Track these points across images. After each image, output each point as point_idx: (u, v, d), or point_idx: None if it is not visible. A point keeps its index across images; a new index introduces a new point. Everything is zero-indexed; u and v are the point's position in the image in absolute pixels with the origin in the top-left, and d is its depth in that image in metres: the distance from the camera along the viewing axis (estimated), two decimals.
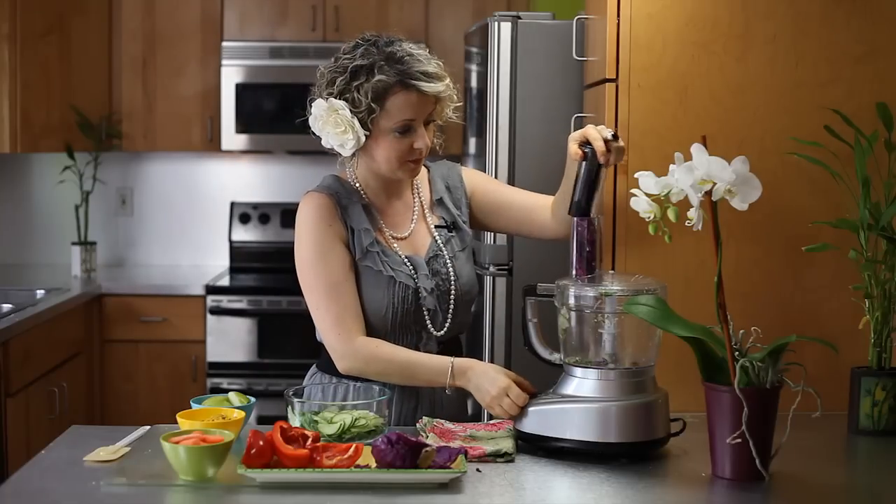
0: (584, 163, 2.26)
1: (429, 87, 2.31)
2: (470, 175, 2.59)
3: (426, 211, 2.51)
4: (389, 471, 1.93)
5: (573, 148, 2.30)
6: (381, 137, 2.35)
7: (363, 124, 2.32)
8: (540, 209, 2.51)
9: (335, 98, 2.32)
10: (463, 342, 2.59)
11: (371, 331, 2.38)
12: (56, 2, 4.73)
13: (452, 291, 2.44)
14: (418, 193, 2.52)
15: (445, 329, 2.43)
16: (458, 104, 2.43)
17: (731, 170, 1.99)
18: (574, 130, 3.02)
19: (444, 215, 2.51)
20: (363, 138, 2.33)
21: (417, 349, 2.41)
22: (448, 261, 2.45)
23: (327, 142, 2.36)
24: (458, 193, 2.54)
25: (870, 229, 2.38)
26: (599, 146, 2.25)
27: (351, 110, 2.31)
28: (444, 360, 2.33)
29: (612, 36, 2.60)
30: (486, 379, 2.27)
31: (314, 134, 2.38)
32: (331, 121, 2.32)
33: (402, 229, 2.47)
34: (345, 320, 2.34)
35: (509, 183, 3.30)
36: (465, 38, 4.03)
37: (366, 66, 2.31)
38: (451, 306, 2.43)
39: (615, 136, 2.28)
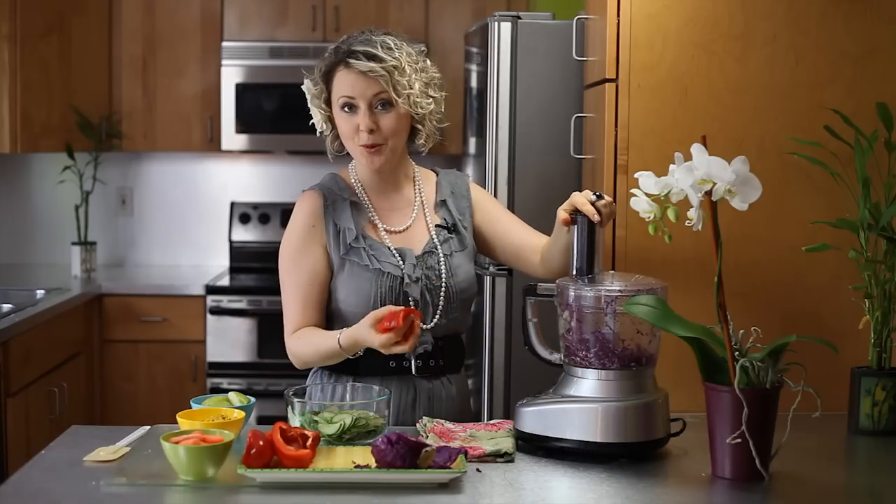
0: (576, 228, 2.26)
1: (359, 64, 2.37)
2: (476, 191, 2.61)
3: (427, 210, 2.53)
4: (389, 471, 1.93)
5: (562, 215, 2.30)
6: (336, 116, 2.45)
7: (321, 102, 2.46)
8: (531, 251, 2.52)
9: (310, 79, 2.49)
10: (464, 342, 2.59)
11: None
12: (56, 2, 4.73)
13: (443, 287, 2.45)
14: (420, 192, 2.54)
15: (435, 324, 2.44)
16: (425, 94, 2.42)
17: (731, 170, 1.99)
18: (573, 130, 3.05)
19: (446, 217, 2.52)
20: (321, 115, 2.46)
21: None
22: (442, 258, 2.46)
23: (315, 121, 2.50)
24: (462, 201, 2.56)
25: (870, 229, 2.38)
26: (589, 209, 2.24)
27: (312, 90, 2.46)
28: (333, 338, 2.35)
29: (612, 36, 2.60)
30: (364, 338, 2.27)
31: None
32: (309, 100, 2.48)
33: (398, 223, 2.50)
34: (295, 321, 2.44)
35: (509, 183, 3.31)
36: (465, 38, 4.03)
37: (331, 49, 2.45)
38: (442, 301, 2.44)
39: (599, 196, 2.27)
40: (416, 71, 2.41)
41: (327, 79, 2.44)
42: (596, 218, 2.24)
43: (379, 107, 2.40)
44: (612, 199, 2.31)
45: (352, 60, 2.38)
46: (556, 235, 2.40)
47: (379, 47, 2.38)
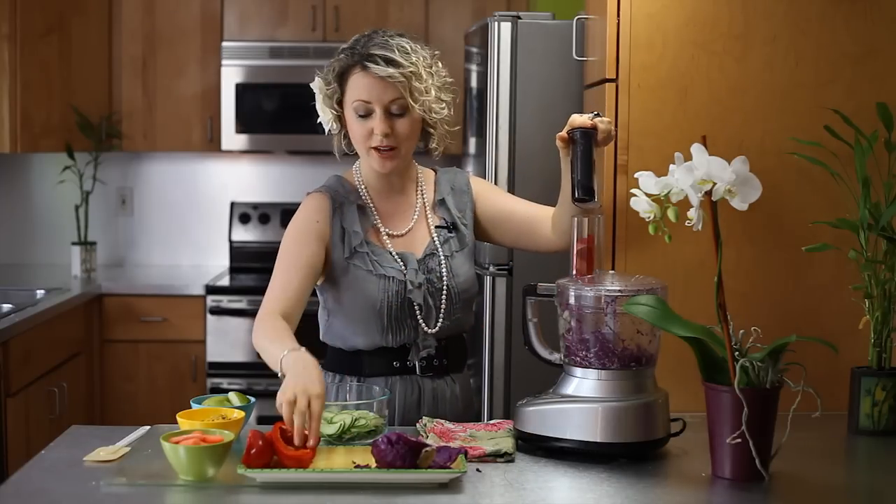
0: (575, 146, 2.29)
1: (377, 69, 2.34)
2: (477, 182, 2.61)
3: (428, 211, 2.53)
4: (389, 471, 1.93)
5: (560, 136, 2.33)
6: (348, 118, 2.42)
7: (332, 102, 2.42)
8: (540, 221, 2.51)
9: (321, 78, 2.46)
10: (467, 341, 2.59)
11: (368, 326, 2.41)
12: (56, 2, 4.73)
13: (445, 290, 2.45)
14: (422, 194, 2.54)
15: (439, 326, 2.45)
16: (439, 99, 2.41)
17: (731, 170, 1.99)
18: None
19: (445, 216, 2.52)
20: (332, 115, 2.43)
21: (416, 345, 2.44)
22: (443, 259, 2.46)
23: (323, 120, 2.47)
24: (463, 197, 2.55)
25: (870, 229, 2.38)
26: (585, 121, 2.29)
27: (324, 89, 2.42)
28: (280, 351, 2.16)
29: (612, 36, 2.60)
30: (294, 374, 2.09)
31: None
32: (318, 99, 2.45)
33: (400, 227, 2.49)
34: (272, 301, 2.34)
35: (509, 183, 3.31)
36: (465, 38, 4.03)
37: (343, 48, 2.42)
38: (444, 303, 2.44)
39: (597, 115, 2.32)
40: (431, 76, 2.39)
41: (341, 79, 2.40)
42: (589, 123, 2.28)
43: (394, 112, 2.37)
44: (612, 121, 2.35)
45: (369, 64, 2.34)
46: (563, 200, 2.40)
47: (396, 51, 2.34)
